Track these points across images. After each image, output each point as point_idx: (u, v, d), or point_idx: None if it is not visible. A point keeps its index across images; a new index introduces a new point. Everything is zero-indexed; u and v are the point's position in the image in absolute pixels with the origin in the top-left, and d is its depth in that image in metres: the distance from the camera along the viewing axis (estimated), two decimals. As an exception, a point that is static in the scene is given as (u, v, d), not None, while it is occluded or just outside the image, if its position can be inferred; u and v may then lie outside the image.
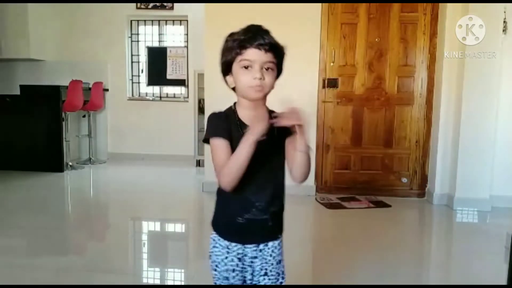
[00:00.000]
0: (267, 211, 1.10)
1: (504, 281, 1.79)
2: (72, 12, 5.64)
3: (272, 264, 1.14)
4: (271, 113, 1.10)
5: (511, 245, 1.81)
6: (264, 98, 1.10)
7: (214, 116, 1.11)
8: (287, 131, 1.07)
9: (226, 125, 1.08)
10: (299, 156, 1.06)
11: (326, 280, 2.18)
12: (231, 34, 1.08)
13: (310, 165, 1.08)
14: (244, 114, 1.10)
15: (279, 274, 1.16)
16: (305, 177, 1.09)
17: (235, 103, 1.13)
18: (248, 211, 1.10)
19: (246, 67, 1.04)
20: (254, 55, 1.03)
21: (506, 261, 1.83)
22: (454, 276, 2.36)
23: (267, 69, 1.05)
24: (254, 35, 1.03)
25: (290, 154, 1.09)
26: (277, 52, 1.06)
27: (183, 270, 2.47)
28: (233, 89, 1.12)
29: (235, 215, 1.11)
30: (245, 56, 1.04)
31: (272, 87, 1.08)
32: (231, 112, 1.11)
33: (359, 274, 2.24)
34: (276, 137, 1.08)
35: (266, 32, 1.05)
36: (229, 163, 1.03)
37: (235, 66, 1.06)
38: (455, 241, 3.03)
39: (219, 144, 1.06)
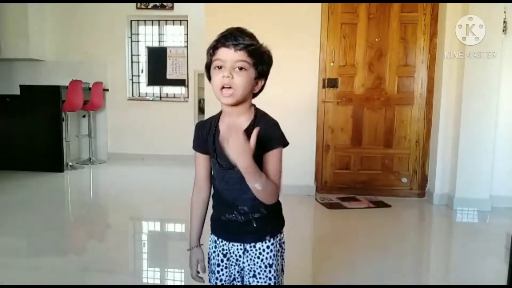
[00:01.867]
0: (249, 216, 1.09)
1: (504, 281, 1.79)
2: (72, 12, 5.64)
3: (260, 266, 1.11)
4: (256, 117, 1.08)
5: (511, 245, 1.81)
6: (241, 103, 1.06)
7: (196, 127, 1.17)
8: (265, 146, 1.03)
9: (201, 138, 1.14)
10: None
11: (326, 280, 2.18)
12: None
13: (267, 194, 1.02)
14: (224, 120, 1.11)
15: (270, 279, 1.12)
16: (265, 200, 1.03)
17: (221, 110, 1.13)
18: (231, 213, 1.11)
19: (219, 68, 1.03)
20: (224, 54, 1.02)
21: (506, 261, 1.83)
22: (454, 276, 2.36)
23: (240, 68, 1.02)
24: (226, 36, 1.02)
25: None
26: (253, 52, 1.02)
27: (183, 270, 2.46)
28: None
29: (220, 213, 1.13)
30: (217, 56, 1.03)
31: (247, 88, 1.04)
32: (215, 119, 1.13)
33: (359, 274, 2.24)
34: (258, 148, 1.01)
35: (242, 33, 1.03)
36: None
37: (211, 69, 1.06)
38: (455, 241, 3.03)
39: (196, 157, 1.16)
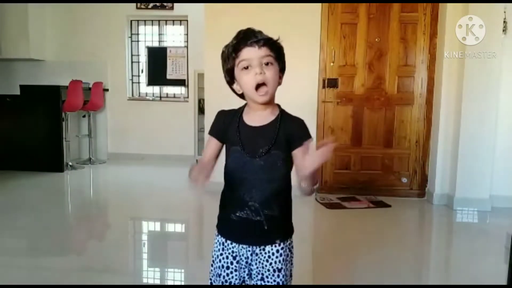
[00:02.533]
0: (260, 213, 1.08)
1: (504, 281, 1.79)
2: (72, 12, 5.64)
3: (269, 270, 1.10)
4: (282, 113, 1.11)
5: (511, 245, 1.81)
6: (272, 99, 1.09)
7: (217, 114, 1.16)
8: (296, 141, 1.06)
9: (222, 125, 1.12)
10: (301, 189, 1.05)
11: (326, 280, 2.18)
12: (226, 45, 1.08)
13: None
14: (250, 114, 1.11)
15: (278, 284, 1.11)
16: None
17: (245, 104, 1.14)
18: (241, 209, 1.09)
19: (246, 68, 1.04)
20: (249, 53, 1.03)
21: (506, 261, 1.83)
22: (454, 276, 2.36)
23: (266, 64, 1.04)
24: (244, 36, 1.04)
25: (298, 165, 1.07)
26: (273, 46, 1.05)
27: (183, 270, 2.46)
28: (242, 96, 1.12)
29: (229, 211, 1.12)
30: (242, 57, 1.04)
31: (276, 82, 1.07)
32: (238, 112, 1.13)
33: (359, 274, 2.24)
34: (283, 142, 1.07)
35: (256, 31, 1.06)
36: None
37: (237, 71, 1.06)
38: (455, 241, 3.03)
39: (208, 140, 1.15)
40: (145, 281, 2.29)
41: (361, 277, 2.20)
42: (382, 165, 3.87)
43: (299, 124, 1.10)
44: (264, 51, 1.03)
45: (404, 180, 3.86)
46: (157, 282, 2.29)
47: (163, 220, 3.34)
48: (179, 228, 3.34)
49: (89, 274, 2.24)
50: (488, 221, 3.30)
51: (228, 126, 1.11)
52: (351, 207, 3.52)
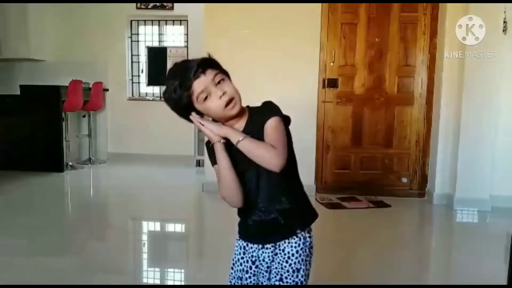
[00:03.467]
0: (273, 210, 1.10)
1: (504, 281, 1.79)
2: (72, 12, 5.64)
3: (288, 271, 1.11)
4: (251, 112, 1.10)
5: (511, 245, 1.81)
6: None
7: (206, 146, 1.16)
8: (263, 119, 1.05)
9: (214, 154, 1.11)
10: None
11: (326, 280, 2.18)
12: (166, 91, 1.07)
13: (259, 149, 1.02)
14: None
15: (296, 284, 1.11)
16: (266, 162, 1.01)
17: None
18: (253, 213, 1.11)
19: (206, 98, 1.03)
20: (200, 84, 1.02)
21: (506, 261, 1.83)
22: (454, 276, 2.36)
23: (219, 82, 1.04)
24: (184, 73, 1.03)
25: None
26: (211, 64, 1.05)
27: (183, 270, 2.47)
28: (214, 120, 1.10)
29: (245, 218, 1.14)
30: (197, 91, 1.03)
31: (237, 92, 1.06)
32: None
33: (359, 274, 2.24)
34: (262, 133, 1.05)
35: (187, 61, 1.06)
36: (219, 178, 1.09)
37: (198, 105, 1.05)
38: (455, 241, 3.03)
39: (216, 169, 1.11)
40: (145, 281, 2.30)
41: (361, 277, 2.20)
42: (382, 165, 3.87)
43: (264, 109, 1.08)
44: (209, 74, 1.03)
45: (404, 180, 3.85)
46: (157, 282, 2.29)
47: (163, 220, 3.34)
48: (179, 228, 3.34)
49: (89, 274, 2.24)
50: (488, 221, 3.30)
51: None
52: (351, 207, 3.52)
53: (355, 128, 3.87)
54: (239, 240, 1.18)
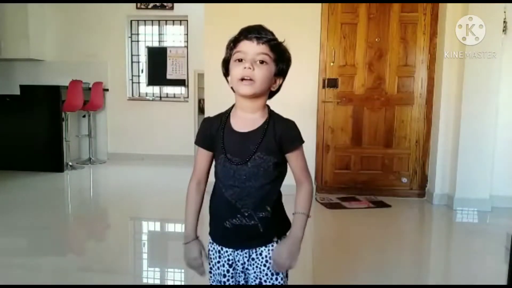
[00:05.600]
0: (255, 217, 1.06)
1: (504, 281, 1.79)
2: (72, 12, 5.64)
3: (267, 274, 1.09)
4: (272, 116, 1.08)
5: (511, 245, 1.81)
6: (259, 97, 1.05)
7: (203, 122, 1.14)
8: (287, 144, 1.06)
9: (208, 132, 1.09)
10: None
11: (326, 280, 2.18)
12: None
13: (309, 203, 1.11)
14: (237, 117, 1.08)
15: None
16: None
17: (233, 105, 1.11)
18: (234, 216, 1.06)
19: (240, 60, 1.02)
20: (245, 46, 1.01)
21: (506, 261, 1.83)
22: (454, 276, 2.36)
23: (261, 62, 1.01)
24: (248, 30, 1.02)
25: (293, 167, 1.11)
26: (274, 47, 1.03)
27: (183, 270, 2.46)
28: (232, 89, 1.09)
29: (222, 219, 1.08)
30: (238, 48, 1.02)
31: (266, 82, 1.03)
32: (225, 115, 1.10)
33: (359, 274, 2.24)
34: (275, 146, 1.04)
35: (264, 28, 1.04)
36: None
37: (231, 63, 1.05)
38: (455, 241, 3.03)
39: (198, 151, 1.13)
40: (145, 281, 2.29)
41: (361, 277, 2.20)
42: (382, 165, 3.87)
43: (289, 127, 1.07)
44: (262, 48, 1.01)
45: (404, 180, 3.86)
46: (157, 282, 2.29)
47: (163, 220, 3.34)
48: (179, 228, 3.34)
49: (89, 274, 2.24)
50: (488, 221, 3.30)
51: (214, 133, 1.08)
52: (351, 207, 3.52)
53: (355, 128, 3.87)
54: (213, 244, 1.13)
